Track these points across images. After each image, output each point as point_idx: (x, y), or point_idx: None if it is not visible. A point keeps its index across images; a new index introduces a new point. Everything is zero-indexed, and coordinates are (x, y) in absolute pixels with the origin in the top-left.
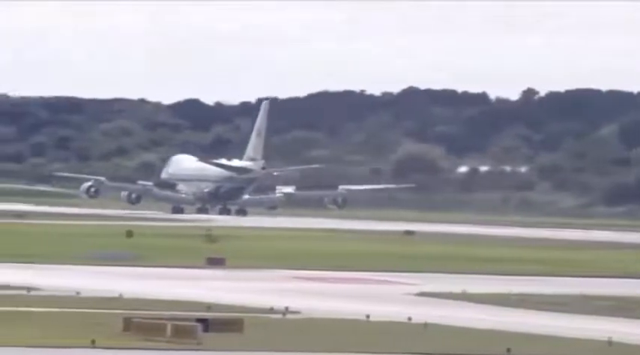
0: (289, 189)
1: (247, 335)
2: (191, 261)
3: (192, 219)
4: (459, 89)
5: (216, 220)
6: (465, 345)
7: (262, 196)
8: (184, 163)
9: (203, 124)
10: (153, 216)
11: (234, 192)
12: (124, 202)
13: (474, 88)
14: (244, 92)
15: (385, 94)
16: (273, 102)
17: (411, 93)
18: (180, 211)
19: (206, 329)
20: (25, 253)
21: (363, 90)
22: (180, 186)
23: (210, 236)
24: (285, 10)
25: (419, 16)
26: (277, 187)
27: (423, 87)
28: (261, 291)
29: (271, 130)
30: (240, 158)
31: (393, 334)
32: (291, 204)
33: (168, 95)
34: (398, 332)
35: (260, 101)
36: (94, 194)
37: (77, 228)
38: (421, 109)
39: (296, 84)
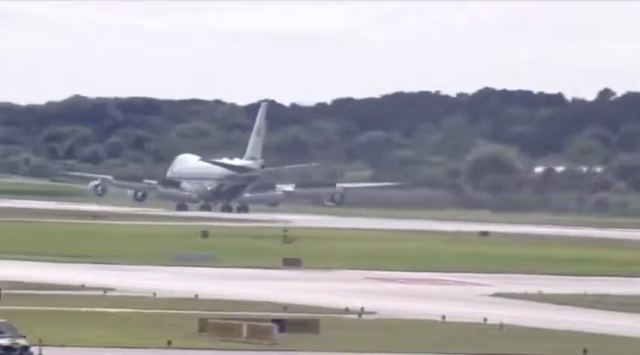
0: (289, 187)
1: (323, 335)
2: (267, 262)
3: (269, 219)
4: (535, 90)
5: (293, 221)
6: (541, 346)
7: (263, 194)
8: (188, 162)
9: (278, 125)
10: (228, 217)
11: (236, 190)
12: (131, 200)
13: (550, 89)
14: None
15: (460, 95)
16: (349, 102)
17: (486, 93)
18: (185, 208)
19: (282, 330)
20: (101, 254)
21: (438, 91)
22: (185, 184)
23: (286, 237)
24: (359, 11)
25: (493, 17)
26: (277, 185)
27: (498, 87)
28: (336, 292)
29: (345, 131)
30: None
31: (468, 335)
32: (290, 201)
33: (243, 96)
34: (474, 333)
35: (336, 102)
36: (100, 192)
37: (153, 228)
38: (496, 110)
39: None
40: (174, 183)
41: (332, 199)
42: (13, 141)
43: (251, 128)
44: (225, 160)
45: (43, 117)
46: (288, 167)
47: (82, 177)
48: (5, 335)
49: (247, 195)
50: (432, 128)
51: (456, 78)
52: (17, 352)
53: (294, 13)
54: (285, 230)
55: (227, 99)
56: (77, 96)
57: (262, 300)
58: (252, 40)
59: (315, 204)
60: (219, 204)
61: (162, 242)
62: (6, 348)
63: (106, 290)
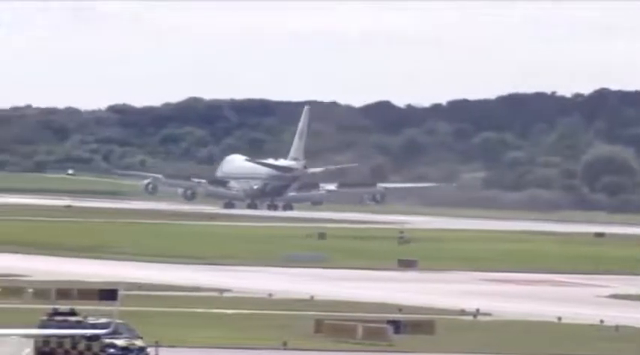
0: (332, 186)
1: (439, 336)
2: (383, 263)
3: (385, 220)
4: None
5: (409, 222)
6: None
7: (307, 193)
8: (236, 162)
9: (394, 126)
10: (344, 218)
11: (280, 189)
12: (181, 198)
13: None
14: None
15: (576, 96)
16: (464, 103)
17: (602, 94)
18: (232, 206)
19: (397, 331)
20: (217, 255)
21: (554, 92)
22: (232, 184)
23: (402, 238)
24: (472, 11)
25: (608, 17)
26: (320, 185)
27: (614, 88)
28: (451, 293)
29: (460, 133)
30: (286, 157)
31: (585, 336)
32: (332, 200)
33: (359, 97)
34: (590, 335)
35: (451, 103)
36: (152, 190)
37: (269, 229)
38: (613, 111)
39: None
40: (222, 182)
41: (373, 198)
42: (129, 142)
43: (366, 129)
44: (271, 161)
45: (159, 118)
46: (330, 167)
47: (135, 176)
48: (123, 336)
49: (292, 194)
50: (547, 129)
51: (570, 78)
52: (134, 353)
53: (408, 13)
54: (401, 231)
55: (342, 100)
56: (193, 98)
57: (377, 301)
58: (367, 41)
59: (356, 202)
60: (265, 203)
61: (279, 243)
62: (123, 349)
63: (221, 291)
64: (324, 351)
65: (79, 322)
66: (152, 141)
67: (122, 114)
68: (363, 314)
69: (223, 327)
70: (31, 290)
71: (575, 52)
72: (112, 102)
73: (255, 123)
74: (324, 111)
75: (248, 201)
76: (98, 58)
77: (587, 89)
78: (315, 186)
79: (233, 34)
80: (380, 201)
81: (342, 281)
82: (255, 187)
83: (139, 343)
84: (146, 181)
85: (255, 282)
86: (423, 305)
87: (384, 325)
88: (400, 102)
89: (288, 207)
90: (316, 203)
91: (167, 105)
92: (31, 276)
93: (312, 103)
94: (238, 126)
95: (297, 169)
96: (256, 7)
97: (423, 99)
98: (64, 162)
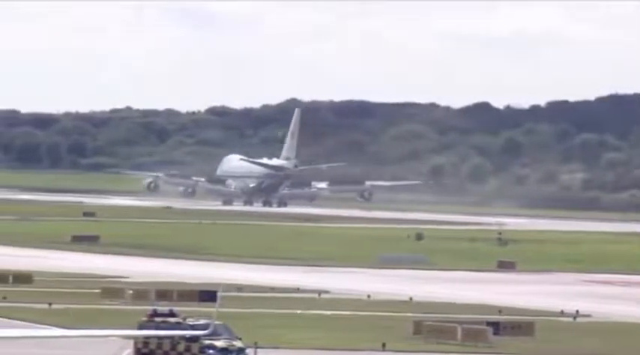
0: (323, 185)
1: (538, 338)
2: (482, 265)
3: (482, 222)
4: None
5: (507, 224)
6: None
7: (299, 190)
8: (233, 162)
9: (493, 127)
10: (442, 220)
11: (274, 187)
12: (181, 195)
13: None
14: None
15: None
16: (563, 104)
17: None
18: (230, 203)
19: (497, 332)
20: (315, 256)
21: None
22: (229, 182)
23: (500, 239)
24: (572, 12)
25: None
26: (312, 183)
27: None
28: (551, 294)
29: (560, 134)
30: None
31: None
32: (323, 198)
33: (458, 99)
34: None
35: (550, 104)
36: (153, 188)
37: (367, 231)
38: None
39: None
40: (221, 180)
41: (362, 196)
42: (228, 144)
43: (466, 131)
44: (266, 160)
45: (258, 120)
46: (321, 166)
47: (140, 175)
48: (222, 337)
49: (285, 191)
50: None
51: None
52: (233, 354)
53: (507, 15)
54: (499, 233)
55: (441, 102)
56: (292, 100)
57: (477, 303)
58: (467, 42)
59: (346, 200)
60: (261, 200)
61: (376, 244)
62: (222, 350)
63: (320, 292)
64: (423, 353)
65: (178, 323)
66: (250, 142)
67: (221, 116)
68: (462, 315)
69: (322, 328)
70: (130, 291)
71: None
72: (211, 104)
73: (353, 124)
74: (424, 113)
75: (245, 198)
76: (197, 60)
77: None
78: (308, 184)
79: (332, 34)
80: (368, 198)
81: (440, 283)
82: (251, 185)
83: (238, 344)
84: (148, 180)
85: (353, 284)
86: (522, 306)
87: (484, 326)
88: (499, 103)
89: (282, 203)
90: (310, 200)
91: (266, 107)
92: (130, 278)
93: (412, 105)
94: (337, 128)
95: (288, 168)
96: (354, 9)
97: (522, 100)
98: (163, 164)
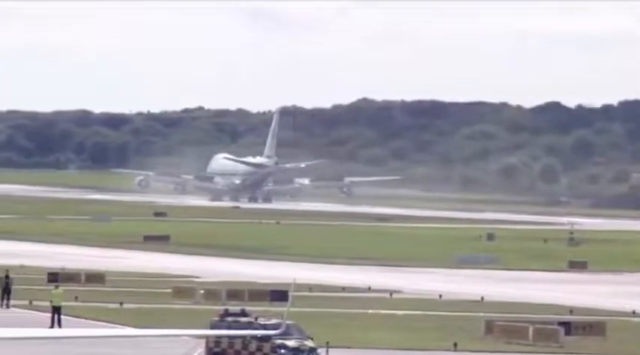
0: (305, 181)
1: (610, 338)
2: (553, 265)
3: (553, 221)
4: None
5: (579, 223)
6: None
7: (281, 187)
8: (219, 161)
9: (564, 127)
10: (514, 219)
11: (257, 184)
12: (171, 193)
13: None
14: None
15: None
16: (636, 104)
17: None
18: (219, 199)
19: (568, 333)
20: (387, 256)
21: None
22: (217, 179)
23: (572, 239)
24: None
25: None
26: (295, 179)
27: None
28: (622, 295)
29: (632, 133)
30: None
31: None
32: (305, 194)
33: (529, 98)
34: None
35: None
36: (144, 185)
37: (439, 231)
38: None
39: None
40: (208, 178)
41: (342, 191)
42: (298, 144)
43: (537, 130)
44: (250, 159)
45: (329, 120)
46: (301, 164)
47: (131, 173)
48: (293, 337)
49: (268, 187)
50: None
51: None
52: (305, 354)
53: (579, 14)
54: (571, 233)
55: (513, 101)
56: (364, 100)
57: (548, 303)
58: (539, 41)
59: (328, 195)
60: (247, 196)
61: (448, 244)
62: (294, 350)
63: (392, 292)
64: (495, 352)
65: (249, 323)
66: (320, 142)
67: (291, 116)
68: (533, 315)
69: (393, 328)
70: (202, 291)
71: None
72: (282, 104)
73: (425, 124)
74: (495, 112)
75: (231, 194)
76: (268, 59)
77: None
78: (290, 180)
79: (405, 35)
80: (348, 193)
81: (512, 283)
82: (236, 182)
83: (309, 344)
84: (139, 178)
85: (425, 283)
86: (594, 306)
87: (556, 327)
88: (570, 102)
89: (267, 199)
90: (293, 196)
91: (337, 107)
92: (201, 277)
93: (483, 104)
94: (409, 128)
95: (269, 166)
96: (426, 10)
97: (594, 99)
98: None
